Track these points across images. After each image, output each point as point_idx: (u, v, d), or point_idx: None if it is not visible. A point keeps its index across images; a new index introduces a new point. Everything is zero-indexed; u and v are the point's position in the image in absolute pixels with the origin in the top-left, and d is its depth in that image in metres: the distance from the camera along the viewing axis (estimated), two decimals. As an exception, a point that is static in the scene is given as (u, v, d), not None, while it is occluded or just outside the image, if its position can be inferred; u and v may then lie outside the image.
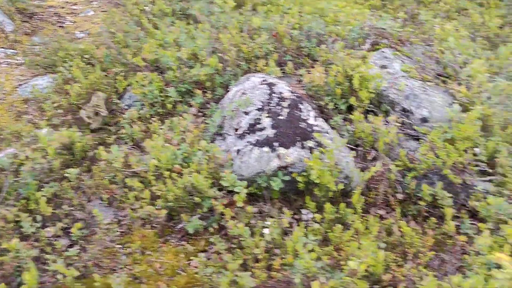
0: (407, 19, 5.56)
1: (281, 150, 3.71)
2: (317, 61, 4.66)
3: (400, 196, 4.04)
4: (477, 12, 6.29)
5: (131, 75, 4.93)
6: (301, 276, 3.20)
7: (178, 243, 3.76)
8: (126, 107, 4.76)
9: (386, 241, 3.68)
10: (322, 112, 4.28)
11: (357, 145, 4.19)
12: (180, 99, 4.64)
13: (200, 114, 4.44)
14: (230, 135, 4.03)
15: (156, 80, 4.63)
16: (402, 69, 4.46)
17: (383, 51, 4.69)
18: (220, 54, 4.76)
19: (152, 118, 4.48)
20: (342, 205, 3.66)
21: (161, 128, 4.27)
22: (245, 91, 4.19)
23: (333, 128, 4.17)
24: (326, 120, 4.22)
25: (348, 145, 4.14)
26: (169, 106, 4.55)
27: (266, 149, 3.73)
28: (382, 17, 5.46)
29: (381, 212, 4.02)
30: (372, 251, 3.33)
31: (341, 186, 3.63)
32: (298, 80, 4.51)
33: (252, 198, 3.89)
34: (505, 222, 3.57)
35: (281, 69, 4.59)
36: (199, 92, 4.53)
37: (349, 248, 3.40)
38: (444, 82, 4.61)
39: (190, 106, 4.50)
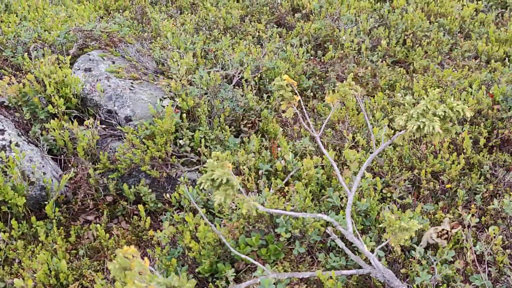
0: (136, 17, 5.54)
1: (-45, 172, 3.48)
2: (22, 70, 4.46)
3: (109, 198, 4.02)
4: (213, 7, 6.47)
5: None
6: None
7: None
8: None
9: (88, 246, 3.63)
10: (20, 123, 4.10)
11: (60, 154, 4.08)
12: None
13: None
14: None
15: None
16: (107, 69, 4.42)
17: (89, 54, 4.61)
18: None
19: None
20: (33, 218, 3.53)
21: None
22: None
23: (31, 140, 4.02)
24: (27, 132, 4.06)
25: (48, 155, 4.02)
26: None
27: None
28: (110, 18, 5.39)
29: (91, 217, 3.97)
30: (56, 261, 3.25)
31: (23, 200, 3.49)
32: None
33: None
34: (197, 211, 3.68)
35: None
36: None
37: (32, 263, 3.28)
38: (156, 78, 4.65)
39: None
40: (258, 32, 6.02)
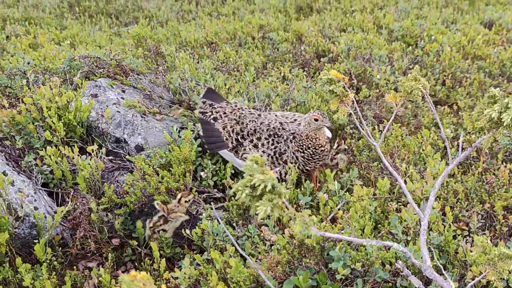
0: (150, 56, 5.04)
1: None
2: (18, 99, 3.87)
3: (115, 241, 3.28)
4: (233, 51, 6.02)
5: None
6: None
7: None
8: None
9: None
10: (11, 154, 3.44)
11: (57, 188, 3.40)
12: None
13: None
14: None
15: None
16: (124, 104, 3.82)
17: (95, 81, 4.03)
18: None
19: None
20: (19, 260, 2.79)
21: None
22: None
23: (22, 171, 3.35)
24: (18, 163, 3.40)
25: (43, 188, 3.33)
26: None
27: None
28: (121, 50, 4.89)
29: (92, 264, 3.22)
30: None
31: (5, 236, 2.76)
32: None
33: None
34: (225, 249, 2.93)
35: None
36: None
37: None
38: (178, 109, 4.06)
39: None
40: (283, 74, 5.48)
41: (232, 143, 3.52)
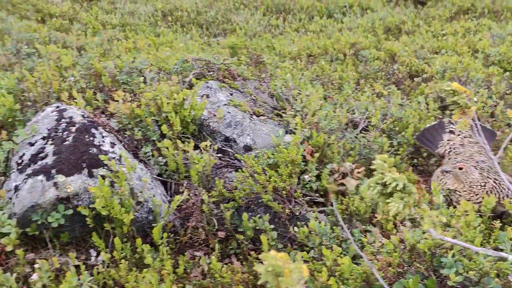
0: (251, 64, 5.25)
1: (60, 178, 3.03)
2: (135, 94, 4.14)
3: (221, 234, 3.44)
4: (332, 68, 6.14)
5: None
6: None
7: None
8: None
9: (196, 283, 3.02)
10: (130, 144, 3.68)
11: (170, 179, 3.60)
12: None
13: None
14: (14, 171, 3.33)
15: None
16: (230, 103, 4.01)
17: (207, 82, 4.25)
18: (25, 94, 4.14)
19: None
20: (139, 240, 2.99)
21: None
22: (37, 122, 3.56)
23: (141, 160, 3.58)
24: (135, 153, 3.63)
25: (158, 178, 3.55)
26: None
27: (40, 177, 3.04)
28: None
29: (199, 253, 3.38)
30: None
31: (131, 216, 2.96)
32: (104, 110, 3.93)
33: (33, 242, 3.15)
34: (331, 248, 3.02)
35: (93, 103, 4.03)
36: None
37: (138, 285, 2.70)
38: (279, 115, 4.21)
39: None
40: (376, 90, 5.56)
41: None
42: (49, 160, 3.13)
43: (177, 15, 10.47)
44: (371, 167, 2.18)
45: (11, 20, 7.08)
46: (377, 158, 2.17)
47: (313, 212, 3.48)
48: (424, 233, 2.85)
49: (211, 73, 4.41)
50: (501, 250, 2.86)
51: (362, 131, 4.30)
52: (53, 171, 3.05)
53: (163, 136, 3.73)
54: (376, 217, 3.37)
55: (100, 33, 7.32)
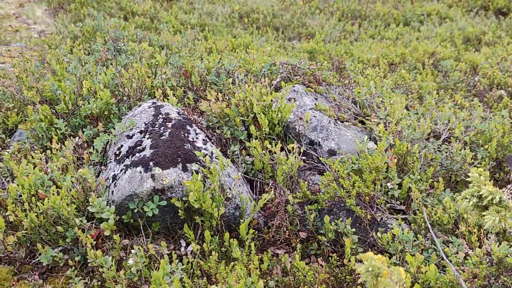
0: (333, 67, 5.32)
1: (157, 171, 3.22)
2: (223, 94, 4.30)
3: (303, 234, 3.54)
4: (412, 77, 6.12)
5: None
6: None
7: (34, 280, 3.15)
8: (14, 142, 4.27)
9: (278, 280, 3.13)
10: (219, 142, 3.84)
11: (256, 178, 3.73)
12: (72, 133, 4.18)
13: (86, 146, 3.96)
14: (112, 161, 3.55)
15: (46, 113, 4.18)
16: (318, 108, 4.11)
17: (294, 86, 4.36)
18: (120, 89, 4.38)
19: (36, 151, 3.98)
20: (227, 234, 3.13)
21: (40, 159, 3.77)
22: (134, 116, 3.77)
23: (228, 158, 3.73)
24: (224, 151, 3.79)
25: (246, 176, 3.68)
26: (56, 138, 4.07)
27: (139, 168, 3.23)
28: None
29: (280, 251, 3.50)
30: (252, 280, 2.78)
31: (222, 211, 3.11)
32: (194, 108, 4.11)
33: (127, 229, 3.35)
34: (413, 255, 3.06)
35: (185, 101, 4.22)
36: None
37: (228, 277, 2.84)
38: (361, 122, 4.27)
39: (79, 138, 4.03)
40: (456, 101, 5.52)
41: None
42: (147, 152, 3.32)
43: (253, 17, 10.64)
44: (467, 179, 2.23)
45: (101, 18, 7.42)
46: (472, 171, 2.22)
47: (397, 219, 3.52)
48: (511, 247, 2.86)
49: (297, 77, 4.52)
50: None
51: (444, 142, 4.29)
52: (151, 163, 3.24)
53: (249, 136, 3.87)
54: (459, 228, 3.38)
55: (184, 33, 7.55)
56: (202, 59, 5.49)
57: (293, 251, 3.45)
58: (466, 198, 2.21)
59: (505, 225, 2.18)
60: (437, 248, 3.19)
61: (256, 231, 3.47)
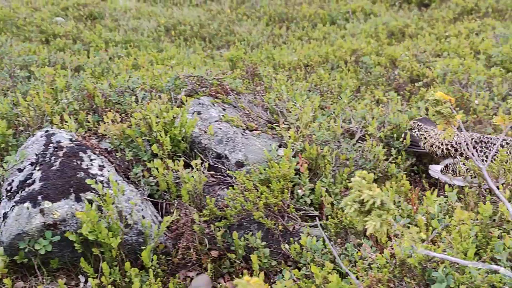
0: (247, 74, 5.21)
1: (46, 204, 3.01)
2: (127, 114, 4.11)
3: (214, 253, 3.39)
4: (332, 77, 6.07)
5: None
6: None
7: None
8: None
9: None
10: (121, 165, 3.65)
11: (161, 200, 3.57)
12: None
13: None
14: (4, 198, 3.32)
15: None
16: (223, 119, 3.97)
17: (199, 99, 4.22)
18: (19, 118, 4.15)
19: None
20: (127, 264, 2.95)
21: None
22: (26, 147, 3.55)
23: (132, 181, 3.55)
24: (127, 174, 3.61)
25: (149, 198, 3.51)
26: None
27: (26, 204, 3.02)
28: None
29: (192, 274, 3.34)
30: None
31: (118, 240, 2.93)
32: (96, 132, 3.91)
33: (23, 269, 3.13)
34: (323, 265, 2.95)
35: (85, 125, 4.01)
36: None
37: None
38: (272, 128, 4.16)
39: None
40: (377, 97, 5.49)
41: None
42: (36, 186, 3.11)
43: (180, 29, 10.47)
44: (349, 184, 2.12)
45: (11, 43, 7.11)
46: (356, 174, 2.11)
47: (310, 226, 3.42)
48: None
49: (203, 89, 4.38)
50: (498, 260, 2.78)
51: (359, 141, 4.22)
52: (39, 197, 3.03)
53: (154, 155, 3.70)
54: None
55: (97, 52, 7.32)
56: (117, 77, 5.28)
57: (205, 272, 3.30)
58: (348, 205, 2.10)
59: (390, 228, 2.08)
60: (349, 253, 3.10)
61: (165, 255, 3.30)
